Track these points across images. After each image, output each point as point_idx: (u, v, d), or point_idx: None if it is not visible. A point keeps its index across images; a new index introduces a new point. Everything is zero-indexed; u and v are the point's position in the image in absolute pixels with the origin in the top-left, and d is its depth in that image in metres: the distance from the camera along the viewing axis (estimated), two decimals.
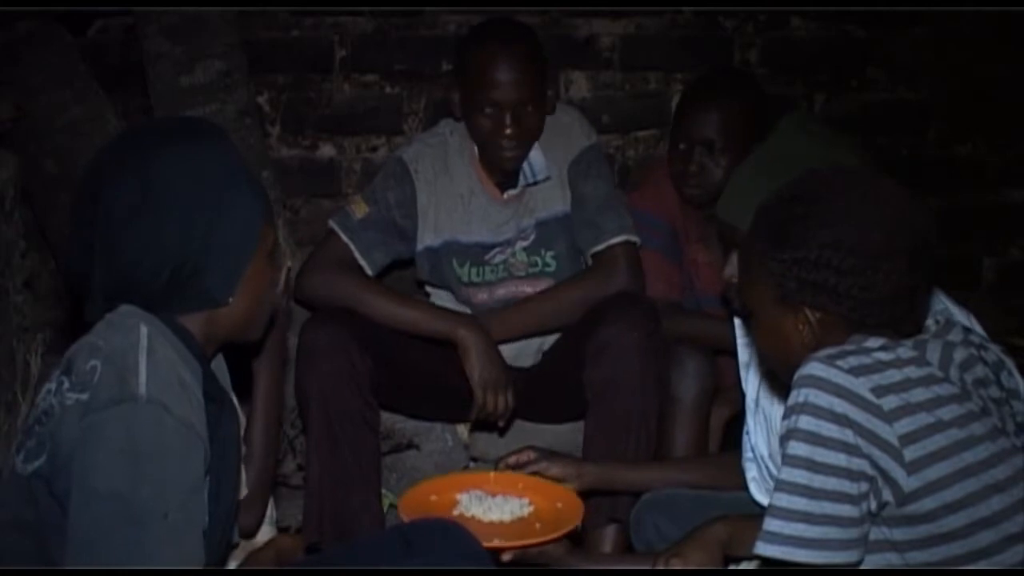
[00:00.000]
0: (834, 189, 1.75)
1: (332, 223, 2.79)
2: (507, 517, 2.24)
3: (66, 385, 1.66)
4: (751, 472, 2.23)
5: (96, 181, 1.72)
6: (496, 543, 2.12)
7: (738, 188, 2.10)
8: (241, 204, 1.75)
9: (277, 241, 1.84)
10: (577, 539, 2.35)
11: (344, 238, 2.76)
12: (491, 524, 2.22)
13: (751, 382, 2.24)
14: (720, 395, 2.68)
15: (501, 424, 2.73)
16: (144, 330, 1.69)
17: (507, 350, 2.79)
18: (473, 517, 2.24)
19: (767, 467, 2.19)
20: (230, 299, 1.76)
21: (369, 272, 2.77)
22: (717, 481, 2.30)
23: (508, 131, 2.69)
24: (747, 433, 2.24)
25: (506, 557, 2.14)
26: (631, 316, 2.57)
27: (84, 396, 1.63)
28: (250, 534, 2.21)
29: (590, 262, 2.79)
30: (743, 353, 2.28)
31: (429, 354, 2.76)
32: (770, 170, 2.01)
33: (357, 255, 2.76)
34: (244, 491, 2.11)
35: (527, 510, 2.26)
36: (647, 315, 2.60)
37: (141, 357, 1.65)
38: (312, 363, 2.55)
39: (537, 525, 2.21)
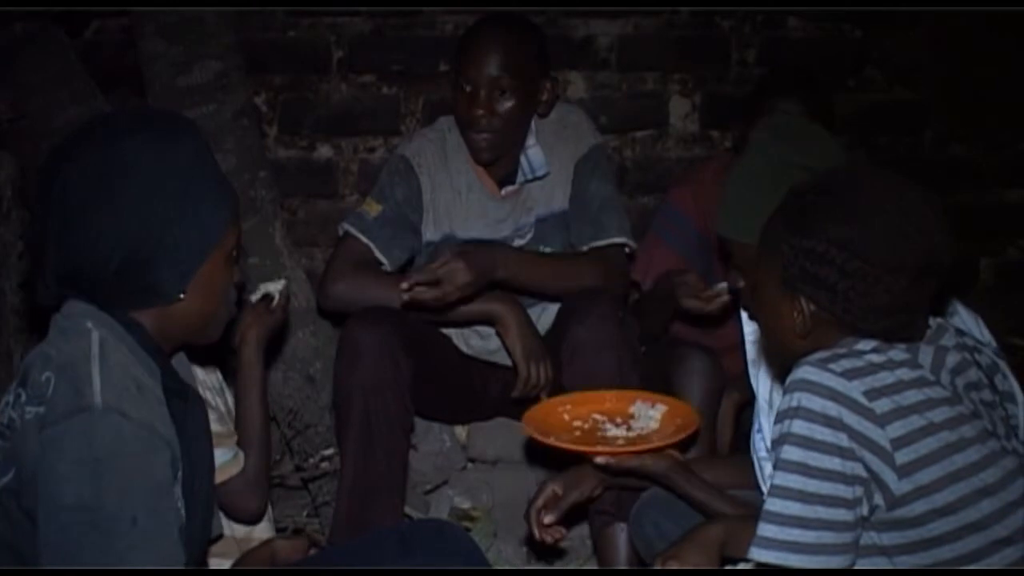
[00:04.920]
0: (864, 190, 1.74)
1: (346, 226, 2.77)
2: (619, 437, 2.31)
3: (23, 398, 1.66)
4: (768, 469, 2.22)
5: (56, 163, 1.71)
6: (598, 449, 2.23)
7: (729, 202, 2.11)
8: (201, 200, 1.72)
9: (240, 245, 1.81)
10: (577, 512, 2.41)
11: (364, 239, 2.74)
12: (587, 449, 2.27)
13: (762, 380, 2.23)
14: (732, 383, 2.67)
15: (543, 398, 2.67)
16: (95, 336, 1.68)
17: (491, 347, 2.80)
18: (597, 433, 2.33)
19: None
20: (181, 295, 1.74)
21: (389, 269, 2.77)
22: (732, 480, 2.29)
23: (478, 111, 2.67)
24: (759, 431, 2.24)
25: (600, 460, 2.19)
26: (600, 313, 2.57)
27: (41, 409, 1.62)
28: (258, 518, 2.25)
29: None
30: (751, 351, 2.27)
31: (458, 357, 2.79)
32: (754, 181, 2.04)
33: (378, 253, 2.74)
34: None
35: (653, 427, 2.34)
36: (615, 309, 2.60)
37: (94, 365, 1.64)
38: (357, 363, 2.54)
39: (654, 439, 2.27)
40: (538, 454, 2.84)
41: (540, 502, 2.27)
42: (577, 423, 2.37)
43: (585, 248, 2.77)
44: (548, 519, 2.27)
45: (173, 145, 1.72)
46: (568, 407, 2.42)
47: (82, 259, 1.69)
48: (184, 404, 1.79)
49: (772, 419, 2.18)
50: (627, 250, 2.80)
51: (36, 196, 1.73)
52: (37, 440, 1.61)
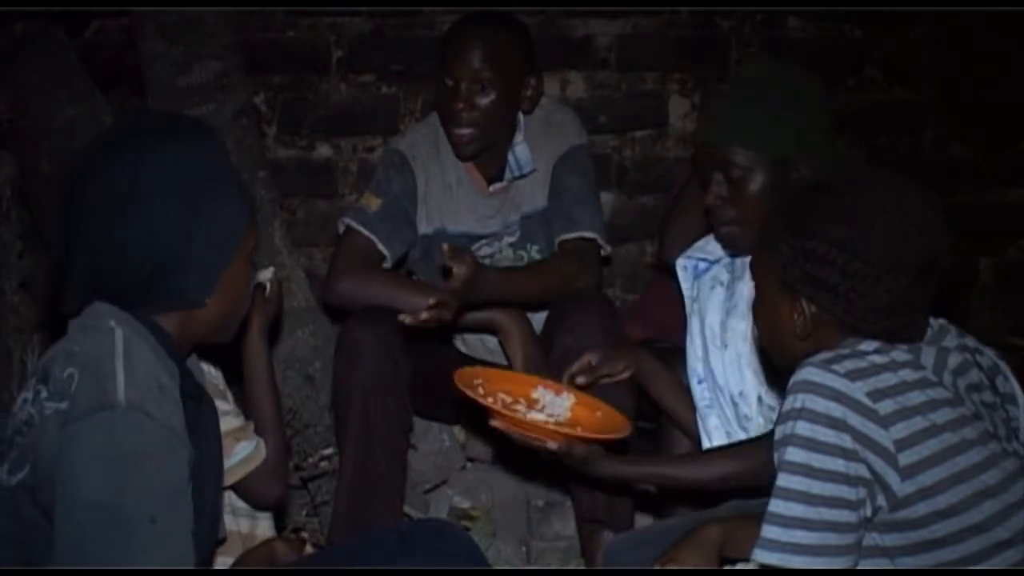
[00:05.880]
0: (863, 190, 1.75)
1: (348, 220, 2.77)
2: (549, 420, 2.27)
3: (44, 394, 1.65)
4: (711, 421, 2.25)
5: (83, 172, 1.71)
6: (550, 425, 2.21)
7: (717, 110, 2.20)
8: (225, 204, 1.74)
9: (256, 245, 1.84)
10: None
11: (366, 233, 2.75)
12: (533, 423, 2.22)
13: (694, 322, 2.32)
14: None
15: None
16: (119, 334, 1.68)
17: (490, 346, 2.80)
18: (516, 413, 2.25)
19: (735, 404, 2.24)
20: (207, 300, 1.75)
21: (389, 262, 2.77)
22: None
23: (458, 105, 2.68)
24: (700, 382, 2.29)
25: (552, 446, 2.18)
26: (588, 320, 2.57)
27: (63, 405, 1.62)
28: (281, 502, 2.26)
29: (555, 248, 2.80)
30: (690, 306, 2.34)
31: (457, 357, 2.79)
32: (748, 93, 2.16)
33: (380, 246, 2.74)
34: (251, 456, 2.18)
35: (566, 416, 2.30)
36: (604, 315, 2.60)
37: (118, 363, 1.64)
38: (357, 362, 2.54)
39: (578, 429, 2.24)
40: (535, 454, 2.84)
41: (575, 368, 2.38)
42: (490, 400, 2.28)
43: (557, 240, 2.78)
44: (580, 381, 2.37)
45: (195, 150, 1.73)
46: (480, 381, 2.35)
47: (113, 267, 1.70)
48: (198, 406, 1.80)
49: (727, 357, 2.27)
50: (602, 252, 2.80)
51: (61, 206, 1.74)
52: (57, 436, 1.61)
